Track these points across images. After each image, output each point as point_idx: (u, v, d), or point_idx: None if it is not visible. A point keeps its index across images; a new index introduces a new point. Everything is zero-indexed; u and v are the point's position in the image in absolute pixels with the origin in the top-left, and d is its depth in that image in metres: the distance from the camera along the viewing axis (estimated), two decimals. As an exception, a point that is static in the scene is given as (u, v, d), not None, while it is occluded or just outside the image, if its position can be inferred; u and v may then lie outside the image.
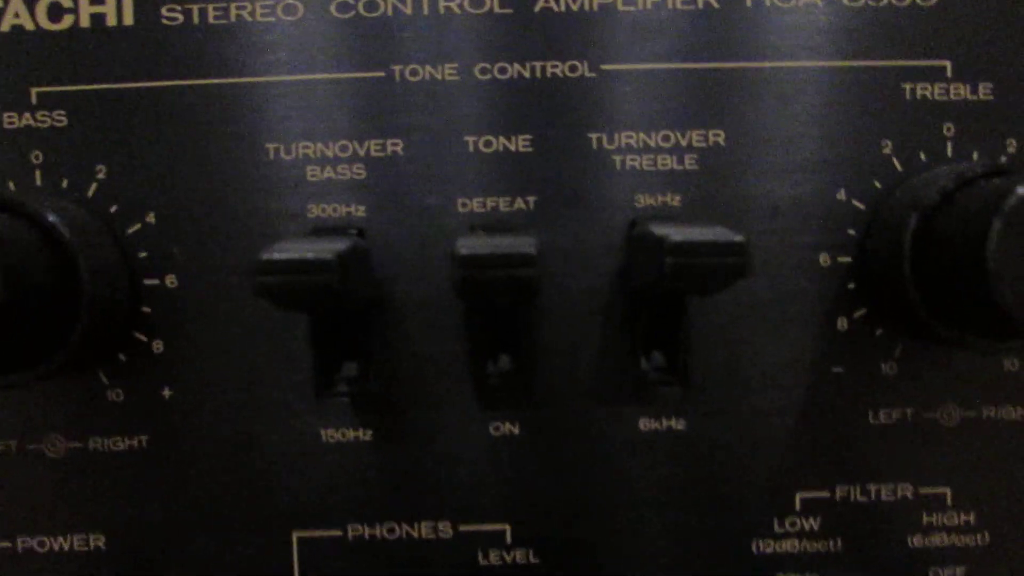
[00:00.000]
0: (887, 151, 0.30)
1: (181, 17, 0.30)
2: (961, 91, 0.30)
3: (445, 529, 0.31)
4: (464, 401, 0.30)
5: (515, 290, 0.24)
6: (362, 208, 0.30)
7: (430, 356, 0.30)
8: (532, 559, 0.31)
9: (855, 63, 0.30)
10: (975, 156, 0.30)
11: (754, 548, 0.31)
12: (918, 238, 0.28)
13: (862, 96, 0.30)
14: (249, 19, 0.29)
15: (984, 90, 0.30)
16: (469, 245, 0.24)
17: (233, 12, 0.29)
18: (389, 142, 0.30)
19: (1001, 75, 0.30)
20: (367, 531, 0.31)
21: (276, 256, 0.23)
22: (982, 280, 0.25)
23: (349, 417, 0.30)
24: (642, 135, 0.30)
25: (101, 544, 0.31)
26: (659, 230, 0.24)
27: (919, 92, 0.30)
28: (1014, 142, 0.30)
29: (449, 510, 0.31)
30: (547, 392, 0.30)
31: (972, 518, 0.31)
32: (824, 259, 0.30)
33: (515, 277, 0.23)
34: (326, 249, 0.24)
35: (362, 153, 0.30)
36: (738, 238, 0.23)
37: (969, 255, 0.25)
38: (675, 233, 0.24)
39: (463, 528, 0.31)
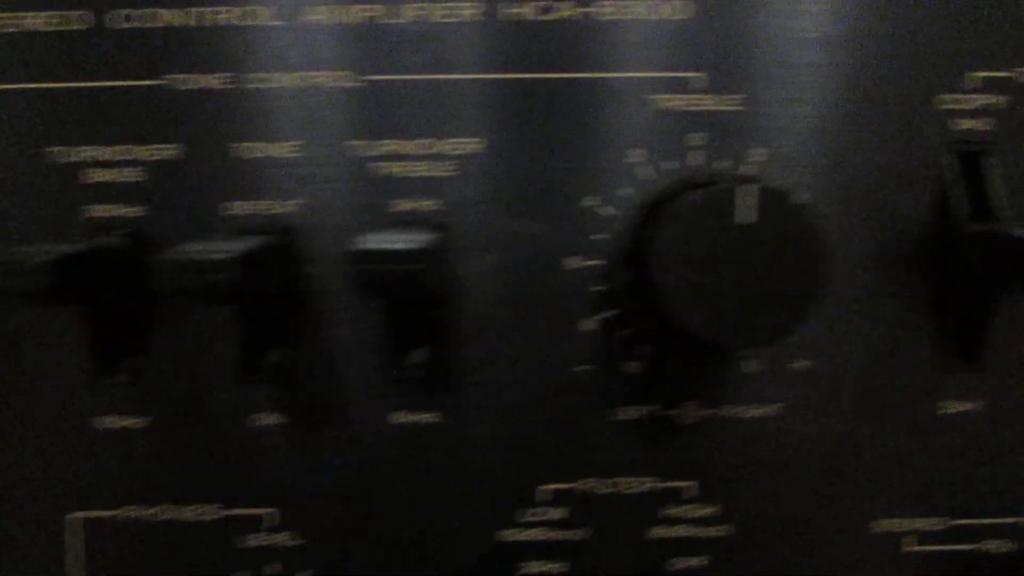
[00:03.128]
0: (635, 160, 0.32)
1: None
2: (710, 102, 0.32)
3: (213, 512, 0.33)
4: (232, 391, 0.32)
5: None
6: (140, 209, 0.32)
7: (196, 347, 0.32)
8: (296, 541, 0.33)
9: (605, 75, 0.31)
10: (725, 165, 0.32)
11: (500, 537, 0.33)
12: (640, 243, 0.29)
13: (611, 106, 0.31)
14: (12, 29, 0.31)
15: (733, 101, 0.32)
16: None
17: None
18: (167, 147, 0.32)
19: (751, 86, 0.31)
20: (139, 513, 0.33)
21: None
22: (653, 289, 0.26)
23: (128, 402, 0.33)
24: (403, 142, 0.32)
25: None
26: (360, 239, 0.26)
27: (668, 103, 0.31)
28: (764, 152, 0.32)
29: (217, 494, 0.33)
30: (309, 383, 0.32)
31: (715, 511, 0.33)
32: (572, 263, 0.32)
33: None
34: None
35: (141, 157, 0.32)
36: (417, 246, 0.25)
37: (647, 262, 0.27)
38: (361, 241, 0.25)
39: (230, 512, 0.33)
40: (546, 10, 0.31)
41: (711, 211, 0.25)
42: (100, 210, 0.32)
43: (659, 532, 0.33)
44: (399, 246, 0.24)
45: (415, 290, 0.25)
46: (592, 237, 0.32)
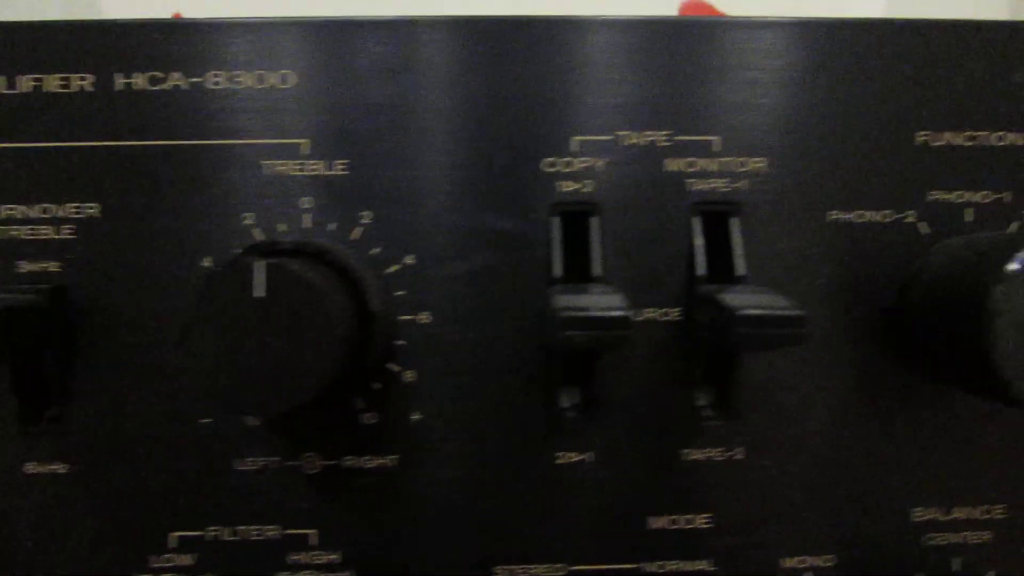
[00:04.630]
0: (249, 222, 0.33)
1: None
2: (317, 168, 0.33)
3: None
4: None
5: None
6: None
7: None
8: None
9: (218, 142, 0.33)
10: (332, 227, 0.33)
11: (132, 583, 0.34)
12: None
13: (225, 171, 0.33)
14: None
15: (339, 166, 0.33)
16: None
17: None
18: None
19: (355, 151, 0.33)
20: None
21: None
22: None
23: None
24: (23, 207, 0.33)
25: None
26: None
27: (278, 168, 0.33)
28: (369, 213, 0.33)
29: None
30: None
31: (338, 557, 0.34)
32: (191, 321, 0.33)
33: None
34: None
35: None
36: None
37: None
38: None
39: None
40: (158, 80, 0.33)
41: (231, 285, 0.27)
42: None
43: (284, 578, 0.34)
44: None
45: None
46: (208, 297, 0.33)
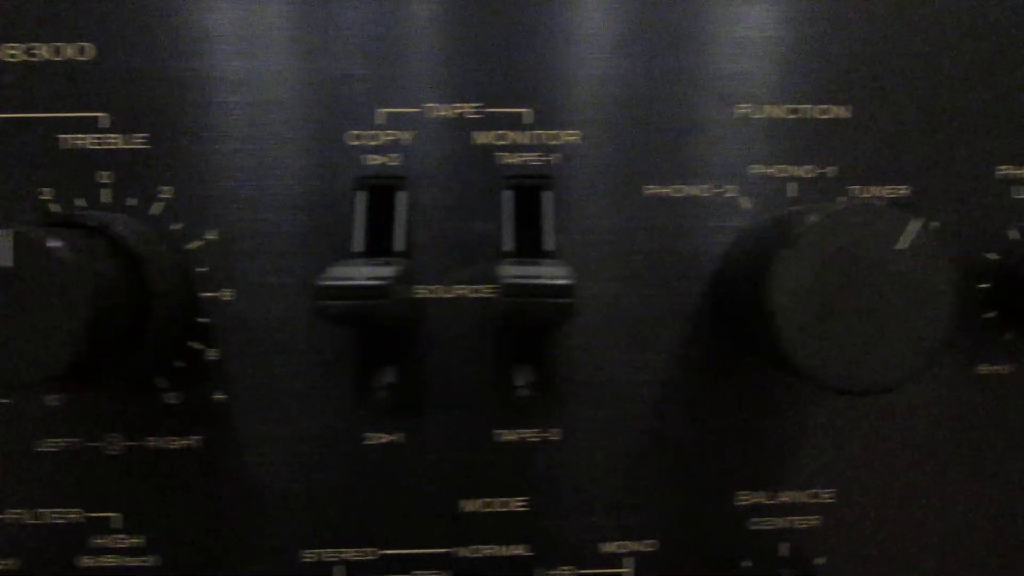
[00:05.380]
0: (46, 197, 0.32)
1: None
2: (116, 142, 0.32)
3: None
4: None
5: None
6: None
7: None
8: None
9: (14, 115, 0.32)
10: (131, 202, 0.32)
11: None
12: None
13: (20, 145, 0.32)
14: None
15: (138, 140, 0.32)
16: None
17: None
18: None
19: (156, 126, 0.32)
20: None
21: None
22: None
23: None
24: None
25: None
26: None
27: (73, 142, 0.32)
28: (169, 188, 0.32)
29: None
30: None
31: (142, 541, 0.33)
32: (-11, 299, 0.32)
33: None
34: None
35: None
36: None
37: None
38: None
39: None
40: (-48, 53, 0.32)
41: (-19, 253, 0.26)
42: None
43: (87, 562, 0.33)
44: None
45: None
46: (5, 273, 0.32)
